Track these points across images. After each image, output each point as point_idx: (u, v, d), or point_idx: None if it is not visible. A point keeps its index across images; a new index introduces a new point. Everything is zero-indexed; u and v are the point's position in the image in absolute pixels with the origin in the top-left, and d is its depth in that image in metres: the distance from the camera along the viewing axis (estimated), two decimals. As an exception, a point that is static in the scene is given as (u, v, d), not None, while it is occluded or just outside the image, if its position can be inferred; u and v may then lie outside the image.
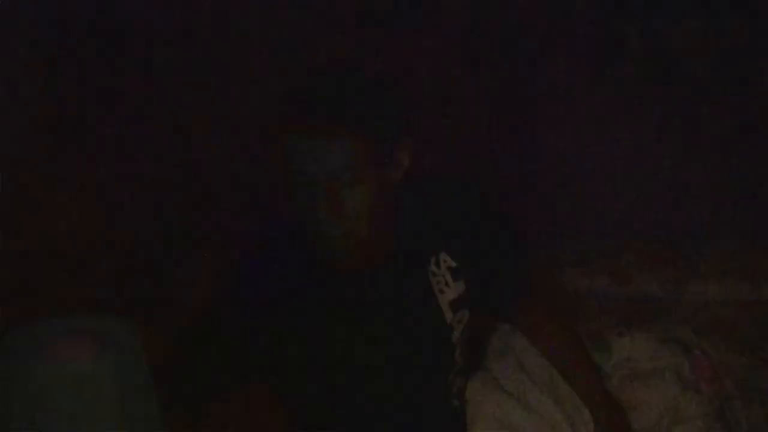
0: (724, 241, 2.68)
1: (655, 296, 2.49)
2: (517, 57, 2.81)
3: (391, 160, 1.51)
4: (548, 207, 2.88)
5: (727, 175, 2.95)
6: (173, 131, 2.11)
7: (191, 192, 2.11)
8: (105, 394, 1.28)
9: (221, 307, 1.60)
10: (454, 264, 1.65)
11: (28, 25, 1.74)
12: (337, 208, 1.46)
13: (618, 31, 2.83)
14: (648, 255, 2.58)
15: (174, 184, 2.07)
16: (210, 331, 1.60)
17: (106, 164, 1.89)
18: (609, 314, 2.39)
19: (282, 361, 1.56)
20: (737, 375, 1.97)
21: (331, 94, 1.47)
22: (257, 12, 2.47)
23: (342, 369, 1.56)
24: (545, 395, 1.74)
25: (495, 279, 1.72)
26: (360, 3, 2.55)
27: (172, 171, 2.07)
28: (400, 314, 1.60)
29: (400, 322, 1.60)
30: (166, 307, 1.85)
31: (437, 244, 1.65)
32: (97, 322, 1.39)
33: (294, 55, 2.39)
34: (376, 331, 1.58)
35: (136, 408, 1.32)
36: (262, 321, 1.55)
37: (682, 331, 1.98)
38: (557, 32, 2.83)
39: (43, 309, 1.65)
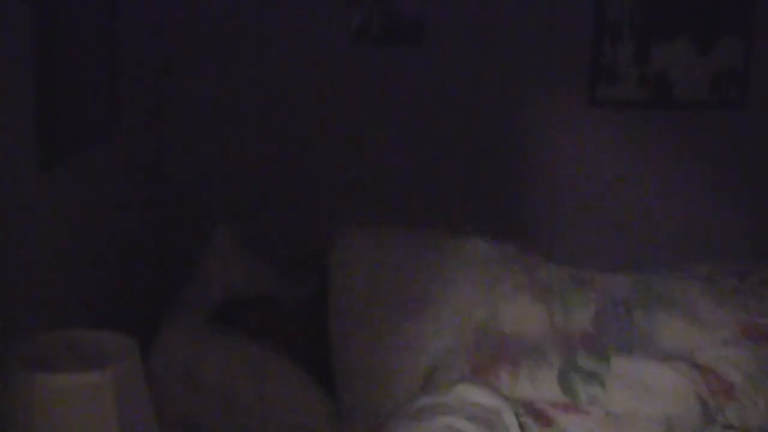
0: (712, 262, 2.70)
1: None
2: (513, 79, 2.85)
3: None
4: (543, 227, 2.91)
5: (721, 199, 2.98)
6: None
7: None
8: (103, 409, 1.29)
9: None
10: None
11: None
12: None
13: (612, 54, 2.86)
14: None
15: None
16: None
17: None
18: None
19: None
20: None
21: None
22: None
23: None
24: None
25: None
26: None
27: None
28: None
29: None
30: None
31: None
32: (98, 338, 1.40)
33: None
34: None
35: (134, 424, 1.33)
36: None
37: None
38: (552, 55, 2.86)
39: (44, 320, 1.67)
